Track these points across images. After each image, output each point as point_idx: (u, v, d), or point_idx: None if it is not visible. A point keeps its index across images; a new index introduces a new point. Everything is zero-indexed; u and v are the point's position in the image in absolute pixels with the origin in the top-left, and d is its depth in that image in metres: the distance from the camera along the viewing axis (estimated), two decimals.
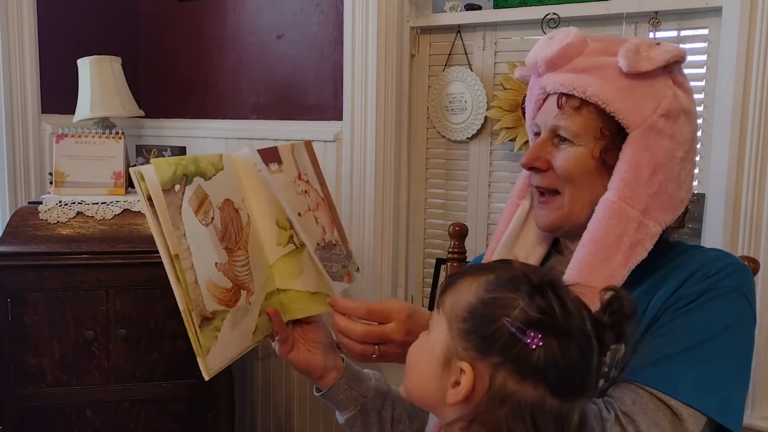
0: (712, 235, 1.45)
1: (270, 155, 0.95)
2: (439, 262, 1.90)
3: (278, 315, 0.94)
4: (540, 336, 0.61)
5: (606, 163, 0.87)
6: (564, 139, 0.89)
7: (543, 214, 0.93)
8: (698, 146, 1.52)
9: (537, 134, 0.95)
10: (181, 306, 0.80)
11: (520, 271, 0.67)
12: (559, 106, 0.89)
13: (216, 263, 0.86)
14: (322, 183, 1.06)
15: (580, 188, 0.89)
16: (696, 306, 0.82)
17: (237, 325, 0.88)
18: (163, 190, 0.80)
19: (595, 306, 0.67)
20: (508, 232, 1.00)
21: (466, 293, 0.68)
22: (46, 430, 1.67)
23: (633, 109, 0.85)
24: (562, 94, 0.89)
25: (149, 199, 0.80)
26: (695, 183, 1.54)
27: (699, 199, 1.49)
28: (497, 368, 0.63)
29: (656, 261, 0.88)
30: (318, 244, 0.99)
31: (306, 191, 1.01)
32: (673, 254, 0.90)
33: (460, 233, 1.51)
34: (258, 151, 0.93)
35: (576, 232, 0.90)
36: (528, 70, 0.97)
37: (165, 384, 1.72)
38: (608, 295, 0.67)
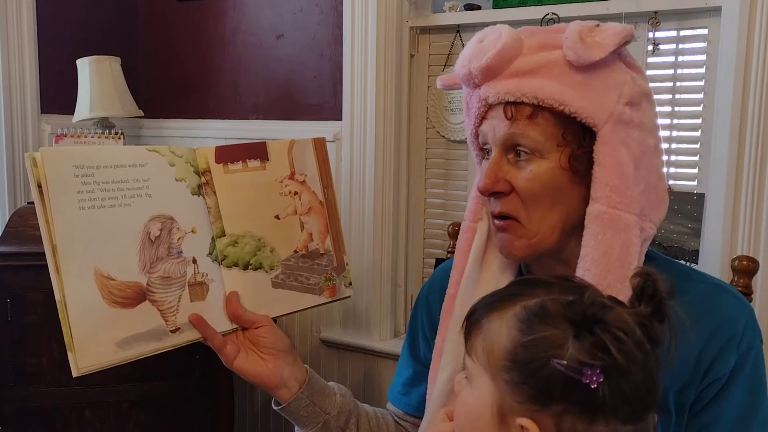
0: (712, 235, 1.46)
1: (247, 151, 0.91)
2: (439, 261, 1.90)
3: (202, 321, 0.86)
4: (599, 371, 0.55)
5: (578, 172, 0.77)
6: (522, 154, 0.78)
7: (506, 238, 0.81)
8: (698, 146, 1.53)
9: (485, 149, 0.84)
10: (57, 296, 0.78)
11: (547, 297, 0.61)
12: (509, 117, 0.77)
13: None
14: (327, 186, 1.00)
15: (549, 209, 0.78)
16: (731, 383, 0.78)
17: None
18: (56, 178, 0.76)
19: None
20: (470, 260, 0.88)
21: (498, 337, 0.61)
22: (45, 430, 1.67)
23: (595, 104, 0.75)
24: (508, 103, 0.77)
25: (39, 186, 0.76)
26: (694, 183, 1.54)
27: (698, 198, 1.49)
28: (561, 416, 0.57)
29: None
30: (296, 251, 0.94)
31: (296, 193, 0.95)
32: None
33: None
34: (216, 148, 0.89)
35: (549, 256, 0.82)
36: (452, 80, 0.87)
37: (165, 384, 1.72)
38: (638, 280, 0.61)
